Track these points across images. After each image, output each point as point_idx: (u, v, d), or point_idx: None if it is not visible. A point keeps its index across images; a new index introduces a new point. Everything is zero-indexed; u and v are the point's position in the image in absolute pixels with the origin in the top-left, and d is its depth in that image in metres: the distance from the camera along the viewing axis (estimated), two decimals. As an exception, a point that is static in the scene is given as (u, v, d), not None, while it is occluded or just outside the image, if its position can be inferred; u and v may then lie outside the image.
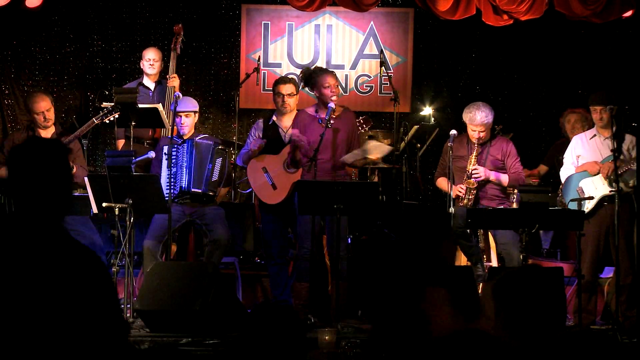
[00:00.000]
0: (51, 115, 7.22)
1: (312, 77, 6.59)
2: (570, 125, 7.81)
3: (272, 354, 2.65)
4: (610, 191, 6.58)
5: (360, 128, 7.34)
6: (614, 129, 6.54)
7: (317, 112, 6.62)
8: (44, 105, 7.18)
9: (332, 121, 6.55)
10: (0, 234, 2.68)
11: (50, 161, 2.71)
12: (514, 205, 6.88)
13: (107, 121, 6.97)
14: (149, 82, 7.97)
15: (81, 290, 2.59)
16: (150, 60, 7.96)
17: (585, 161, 6.82)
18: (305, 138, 6.51)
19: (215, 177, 6.92)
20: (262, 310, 2.75)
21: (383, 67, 8.14)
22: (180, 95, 7.06)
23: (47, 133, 7.23)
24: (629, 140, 6.74)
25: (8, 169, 2.78)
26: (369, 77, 9.37)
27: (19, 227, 2.68)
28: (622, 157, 6.64)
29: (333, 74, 6.65)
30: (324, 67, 8.97)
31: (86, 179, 6.38)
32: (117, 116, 6.92)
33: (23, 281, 2.58)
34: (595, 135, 6.85)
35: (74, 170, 7.03)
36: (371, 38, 9.37)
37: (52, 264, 2.60)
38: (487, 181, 6.80)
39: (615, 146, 6.52)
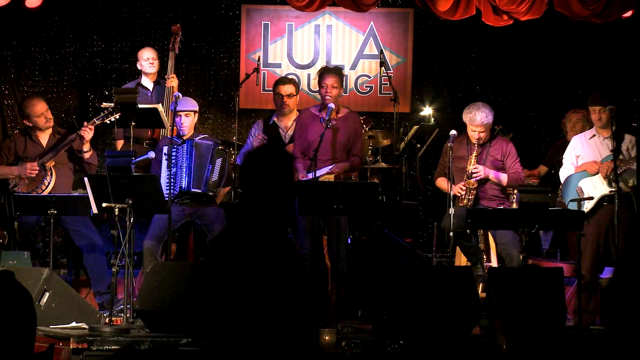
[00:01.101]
0: (50, 114, 7.24)
1: (320, 74, 6.67)
2: (572, 124, 7.81)
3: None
4: (610, 191, 6.58)
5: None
6: (614, 129, 6.55)
7: (320, 111, 6.64)
8: (42, 107, 7.19)
9: (333, 121, 6.57)
10: (230, 227, 3.05)
11: (281, 164, 3.08)
12: (514, 206, 6.88)
13: (108, 122, 6.98)
14: (148, 82, 7.97)
15: (290, 278, 2.95)
16: (149, 58, 7.95)
17: (584, 161, 6.82)
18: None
19: (215, 177, 6.92)
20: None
21: (383, 67, 8.14)
22: (180, 95, 7.06)
23: (46, 134, 7.23)
24: (628, 140, 6.74)
25: (241, 170, 3.16)
26: (369, 77, 9.37)
27: (248, 220, 3.01)
28: (621, 156, 6.64)
29: (333, 75, 6.61)
30: (324, 67, 9.01)
31: (86, 179, 6.38)
32: (117, 117, 6.92)
33: (254, 266, 2.92)
34: (594, 135, 6.86)
35: (90, 154, 7.08)
36: (371, 38, 9.37)
37: (276, 254, 2.94)
38: (486, 180, 6.80)
39: (615, 146, 6.52)
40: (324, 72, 6.68)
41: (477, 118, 6.72)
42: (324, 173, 6.50)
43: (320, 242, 6.82)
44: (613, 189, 6.50)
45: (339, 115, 6.67)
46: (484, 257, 6.85)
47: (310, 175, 6.32)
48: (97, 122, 6.99)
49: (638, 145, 6.65)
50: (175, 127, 7.00)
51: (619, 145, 6.59)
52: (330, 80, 6.57)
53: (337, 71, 6.72)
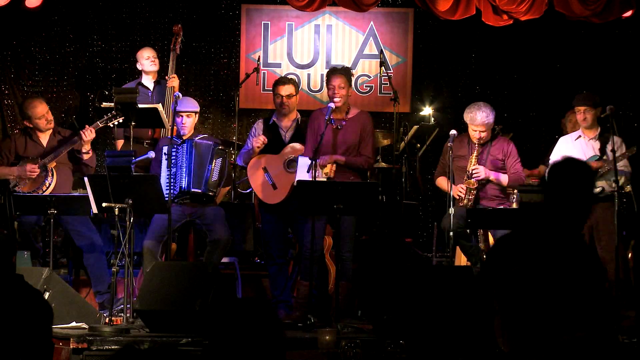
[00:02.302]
0: (51, 116, 7.24)
1: (327, 75, 6.69)
2: (572, 124, 7.82)
3: (249, 352, 2.65)
4: (610, 191, 6.61)
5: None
6: (615, 129, 6.57)
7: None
8: (43, 109, 7.19)
9: (343, 122, 6.58)
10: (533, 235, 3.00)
11: (585, 180, 3.14)
12: (514, 206, 6.88)
13: (112, 125, 6.97)
14: (149, 82, 7.97)
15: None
16: (150, 57, 7.96)
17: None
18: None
19: (215, 177, 6.92)
20: (237, 308, 2.75)
21: (383, 67, 8.13)
22: (180, 95, 7.06)
23: (46, 134, 7.23)
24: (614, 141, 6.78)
25: (550, 182, 3.17)
26: (369, 77, 9.37)
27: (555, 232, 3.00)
28: (605, 157, 6.69)
29: (340, 75, 6.61)
30: (325, 67, 9.02)
31: (86, 179, 6.39)
32: (120, 120, 6.91)
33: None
34: (580, 136, 6.89)
35: (89, 155, 7.08)
36: (371, 38, 9.37)
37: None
38: (487, 181, 6.80)
39: (612, 145, 6.57)
40: (330, 73, 6.67)
41: (478, 118, 6.72)
42: (324, 161, 6.49)
43: (321, 242, 6.81)
44: (597, 189, 6.55)
45: (349, 116, 6.67)
46: (484, 257, 6.85)
47: (309, 175, 6.31)
48: (100, 125, 6.98)
49: (638, 146, 6.67)
50: (175, 127, 7.00)
51: (604, 146, 6.62)
52: (337, 81, 6.58)
53: (344, 71, 6.71)
